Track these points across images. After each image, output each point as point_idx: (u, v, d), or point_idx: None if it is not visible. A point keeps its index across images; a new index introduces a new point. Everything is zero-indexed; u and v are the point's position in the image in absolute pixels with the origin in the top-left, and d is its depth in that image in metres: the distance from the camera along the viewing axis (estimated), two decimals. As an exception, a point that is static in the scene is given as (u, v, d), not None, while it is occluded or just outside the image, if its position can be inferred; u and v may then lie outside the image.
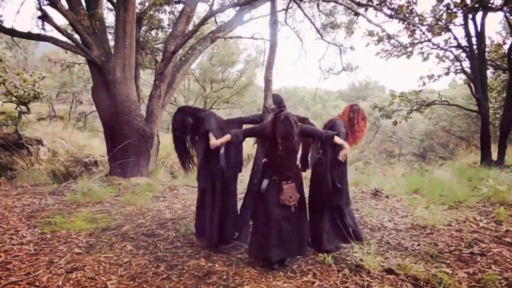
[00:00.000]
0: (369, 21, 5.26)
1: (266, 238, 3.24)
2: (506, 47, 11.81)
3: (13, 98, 9.76)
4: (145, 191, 5.74)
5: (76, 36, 6.86)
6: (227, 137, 3.41)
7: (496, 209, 5.17)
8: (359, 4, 6.04)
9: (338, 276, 3.07)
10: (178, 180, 7.04)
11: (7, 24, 7.03)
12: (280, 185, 3.26)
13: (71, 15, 6.30)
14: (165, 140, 9.65)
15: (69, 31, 7.14)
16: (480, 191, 6.21)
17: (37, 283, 2.80)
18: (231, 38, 9.44)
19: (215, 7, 7.26)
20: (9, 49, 15.92)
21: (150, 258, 3.35)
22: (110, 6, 9.18)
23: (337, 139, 3.52)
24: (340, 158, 3.57)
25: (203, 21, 6.31)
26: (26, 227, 4.09)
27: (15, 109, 10.28)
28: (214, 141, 3.43)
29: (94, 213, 4.69)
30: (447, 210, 5.23)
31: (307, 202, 3.69)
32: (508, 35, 12.04)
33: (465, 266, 3.32)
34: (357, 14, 6.57)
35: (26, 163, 8.42)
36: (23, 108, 10.09)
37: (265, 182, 3.29)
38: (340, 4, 7.33)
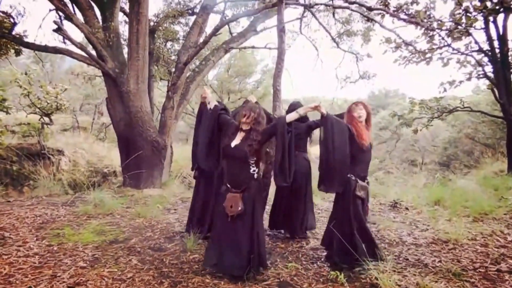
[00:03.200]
0: (382, 26, 5.11)
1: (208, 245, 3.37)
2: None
3: (37, 110, 10.03)
4: (157, 203, 5.68)
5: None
6: (215, 102, 3.57)
7: (525, 221, 4.85)
8: (371, 9, 5.86)
9: (350, 296, 2.88)
10: (191, 192, 6.95)
11: (30, 39, 7.23)
12: (226, 193, 3.21)
13: (86, 28, 6.40)
14: (179, 151, 9.64)
15: (84, 44, 7.25)
16: (508, 202, 5.87)
17: (36, 299, 2.74)
18: (244, 48, 9.42)
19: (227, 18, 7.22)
20: (36, 63, 16.47)
21: (154, 274, 3.24)
22: (127, 19, 9.33)
23: (292, 115, 3.21)
24: (318, 105, 3.24)
25: (215, 31, 6.28)
26: (35, 239, 4.07)
27: (39, 120, 10.55)
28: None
29: (103, 225, 4.64)
30: (471, 223, 4.93)
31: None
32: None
33: (491, 285, 3.06)
34: (369, 19, 6.38)
35: (48, 173, 8.58)
36: (46, 119, 10.34)
37: (222, 189, 3.32)
38: (355, 11, 7.18)
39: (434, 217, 5.25)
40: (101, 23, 7.09)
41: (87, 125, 20.80)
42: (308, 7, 5.89)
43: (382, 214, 5.58)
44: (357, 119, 3.46)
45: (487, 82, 11.24)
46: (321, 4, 6.30)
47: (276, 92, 3.69)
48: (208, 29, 8.82)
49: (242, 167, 3.18)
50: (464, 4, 8.01)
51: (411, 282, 3.10)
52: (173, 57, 9.70)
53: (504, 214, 5.34)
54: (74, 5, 6.83)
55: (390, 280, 3.04)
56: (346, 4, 5.66)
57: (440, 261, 3.62)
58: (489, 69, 9.70)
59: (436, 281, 3.11)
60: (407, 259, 3.70)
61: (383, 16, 9.53)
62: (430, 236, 4.41)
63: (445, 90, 11.06)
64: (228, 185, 3.23)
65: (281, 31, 3.73)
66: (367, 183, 3.53)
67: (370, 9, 5.78)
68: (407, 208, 5.90)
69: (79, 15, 6.78)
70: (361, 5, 5.97)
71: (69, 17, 6.36)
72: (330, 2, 6.39)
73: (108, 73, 6.52)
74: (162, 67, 8.75)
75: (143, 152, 6.63)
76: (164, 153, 7.00)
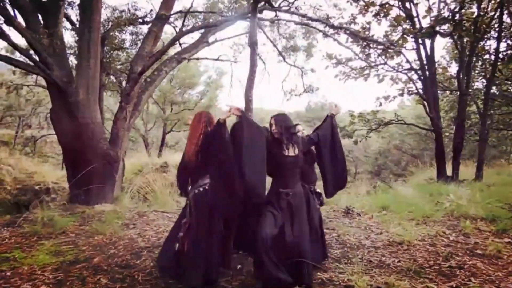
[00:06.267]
0: (339, 43, 5.49)
1: None
2: (450, 69, 12.90)
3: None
4: (113, 218, 5.39)
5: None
6: None
7: (461, 222, 5.44)
8: (335, 27, 6.26)
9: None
10: (146, 206, 6.71)
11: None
12: None
13: (29, 33, 5.94)
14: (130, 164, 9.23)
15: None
16: (443, 206, 6.52)
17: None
18: (197, 59, 9.40)
19: (183, 28, 7.18)
20: None
21: (129, 292, 3.10)
22: (68, 25, 8.82)
23: None
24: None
25: (173, 42, 6.23)
26: (-19, 266, 3.64)
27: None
28: None
29: (58, 245, 4.30)
30: (417, 226, 5.40)
31: None
32: (452, 59, 13.11)
33: (447, 280, 3.41)
34: (327, 36, 6.78)
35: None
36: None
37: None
38: (313, 27, 7.57)
39: (385, 221, 5.66)
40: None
41: (8, 139, 19.03)
42: (272, 21, 6.10)
43: (338, 220, 5.87)
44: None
45: (415, 97, 12.50)
46: (286, 20, 6.54)
47: (247, 103, 3.78)
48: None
49: None
50: (401, 27, 8.87)
51: (379, 281, 3.34)
52: (119, 66, 9.36)
53: (442, 217, 5.94)
54: (14, 9, 6.31)
55: (360, 281, 3.25)
56: (303, 20, 5.98)
57: (399, 261, 3.93)
58: (419, 86, 10.79)
59: (400, 279, 3.38)
60: (371, 261, 3.96)
61: (325, 35, 10.20)
62: (385, 239, 4.75)
63: (380, 104, 12.05)
64: None
65: (253, 43, 3.84)
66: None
67: (333, 27, 6.16)
68: (359, 214, 6.27)
69: (20, 20, 6.27)
70: (322, 22, 6.32)
71: (10, 21, 5.85)
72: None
73: (55, 82, 6.08)
74: (109, 76, 8.37)
75: (93, 166, 6.25)
76: (117, 167, 6.68)
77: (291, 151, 3.40)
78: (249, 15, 6.21)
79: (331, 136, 3.77)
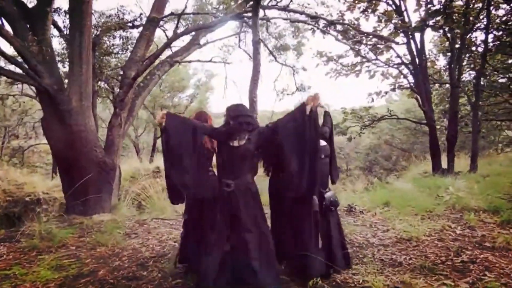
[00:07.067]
0: (336, 39, 5.44)
1: None
2: (438, 63, 13.03)
3: None
4: (113, 228, 5.24)
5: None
6: None
7: (465, 215, 5.44)
8: (334, 23, 6.22)
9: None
10: (147, 214, 6.56)
11: None
12: None
13: (17, 41, 5.74)
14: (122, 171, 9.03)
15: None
16: (444, 199, 6.52)
17: None
18: (189, 62, 9.26)
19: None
20: None
21: (141, 306, 2.98)
22: (55, 32, 8.59)
23: None
24: None
25: (167, 45, 6.09)
26: (-21, 285, 3.48)
27: None
28: None
29: (59, 259, 4.14)
30: (421, 221, 5.38)
31: None
32: (439, 52, 13.24)
33: (462, 276, 3.37)
34: (323, 32, 6.74)
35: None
36: None
37: None
38: (310, 24, 7.51)
39: (389, 218, 5.63)
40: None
41: (-7, 150, 18.59)
42: (268, 19, 6.03)
43: (342, 219, 5.78)
44: None
45: (403, 92, 12.55)
46: (279, 18, 6.49)
47: (252, 103, 3.69)
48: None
49: None
50: (388, 23, 8.91)
51: (395, 281, 3.28)
52: (109, 72, 9.16)
53: (444, 210, 5.94)
54: (1, 17, 6.10)
55: (376, 281, 3.19)
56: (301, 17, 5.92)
57: (411, 259, 3.88)
58: (410, 80, 10.86)
59: (415, 278, 3.33)
60: (382, 260, 3.91)
61: (313, 31, 10.17)
62: (393, 236, 4.71)
63: (373, 100, 12.11)
64: None
65: (256, 42, 3.77)
66: None
67: (332, 23, 6.12)
68: (361, 212, 6.23)
69: (7, 28, 6.07)
70: (321, 18, 6.25)
71: (-3, 29, 5.65)
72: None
73: (46, 90, 5.88)
74: (99, 81, 8.17)
75: (89, 175, 6.07)
76: (113, 175, 6.50)
77: (241, 141, 3.18)
78: (242, 15, 6.15)
79: (300, 127, 3.09)
